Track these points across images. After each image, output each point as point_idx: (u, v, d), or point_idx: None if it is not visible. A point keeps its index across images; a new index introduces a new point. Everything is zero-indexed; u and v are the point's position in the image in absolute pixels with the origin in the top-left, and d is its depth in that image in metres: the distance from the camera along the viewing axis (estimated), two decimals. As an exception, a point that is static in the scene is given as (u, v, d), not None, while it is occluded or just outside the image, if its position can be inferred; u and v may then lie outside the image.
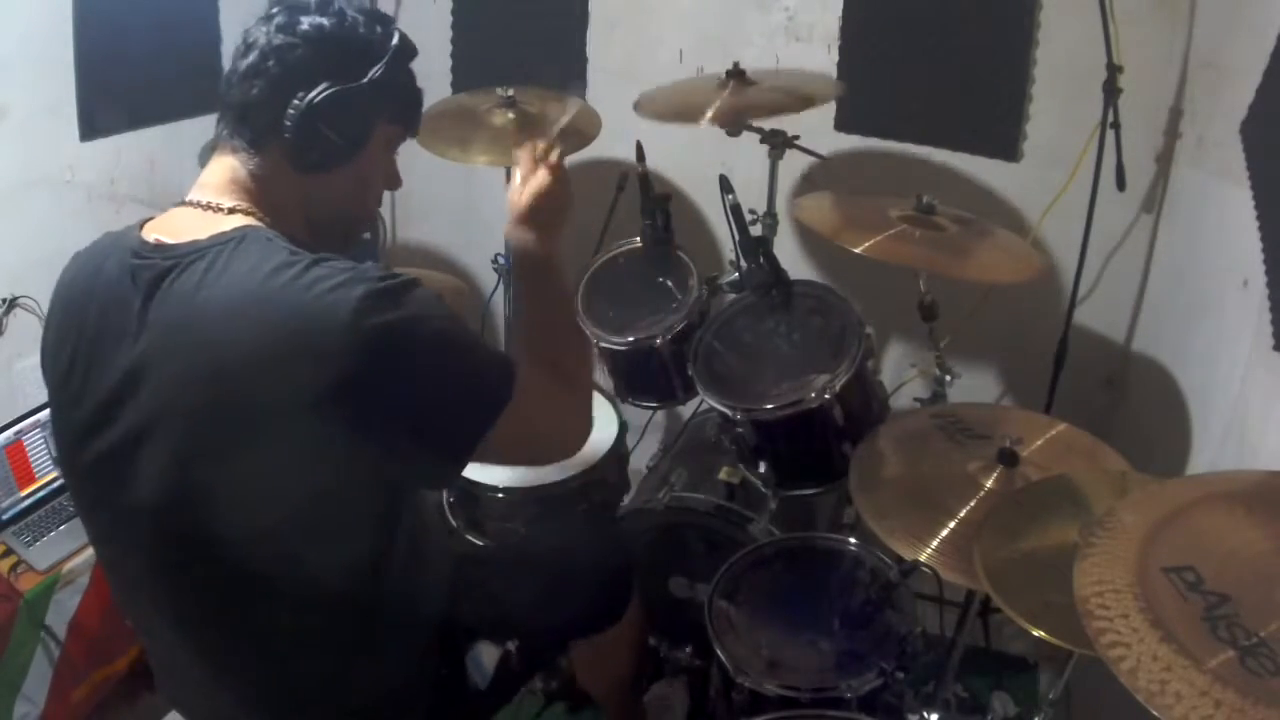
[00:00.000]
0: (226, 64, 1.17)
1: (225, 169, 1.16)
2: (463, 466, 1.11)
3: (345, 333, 0.99)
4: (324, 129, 1.13)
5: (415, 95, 1.27)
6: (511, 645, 1.47)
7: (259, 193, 1.15)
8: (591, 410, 1.29)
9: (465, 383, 1.09)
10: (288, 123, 1.11)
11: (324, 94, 1.11)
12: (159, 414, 1.05)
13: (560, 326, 1.30)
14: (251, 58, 1.13)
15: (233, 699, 1.22)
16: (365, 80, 1.14)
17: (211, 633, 1.17)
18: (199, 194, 1.15)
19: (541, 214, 1.28)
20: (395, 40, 1.19)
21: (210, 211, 1.13)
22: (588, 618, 1.62)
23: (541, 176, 1.29)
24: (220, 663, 1.19)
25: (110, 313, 1.09)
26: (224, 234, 1.08)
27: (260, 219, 1.13)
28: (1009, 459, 1.53)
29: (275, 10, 1.14)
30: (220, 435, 1.03)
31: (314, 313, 1.00)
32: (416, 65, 1.24)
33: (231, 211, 1.13)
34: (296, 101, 1.11)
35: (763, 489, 1.93)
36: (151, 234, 1.12)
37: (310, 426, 1.00)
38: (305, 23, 1.13)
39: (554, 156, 1.32)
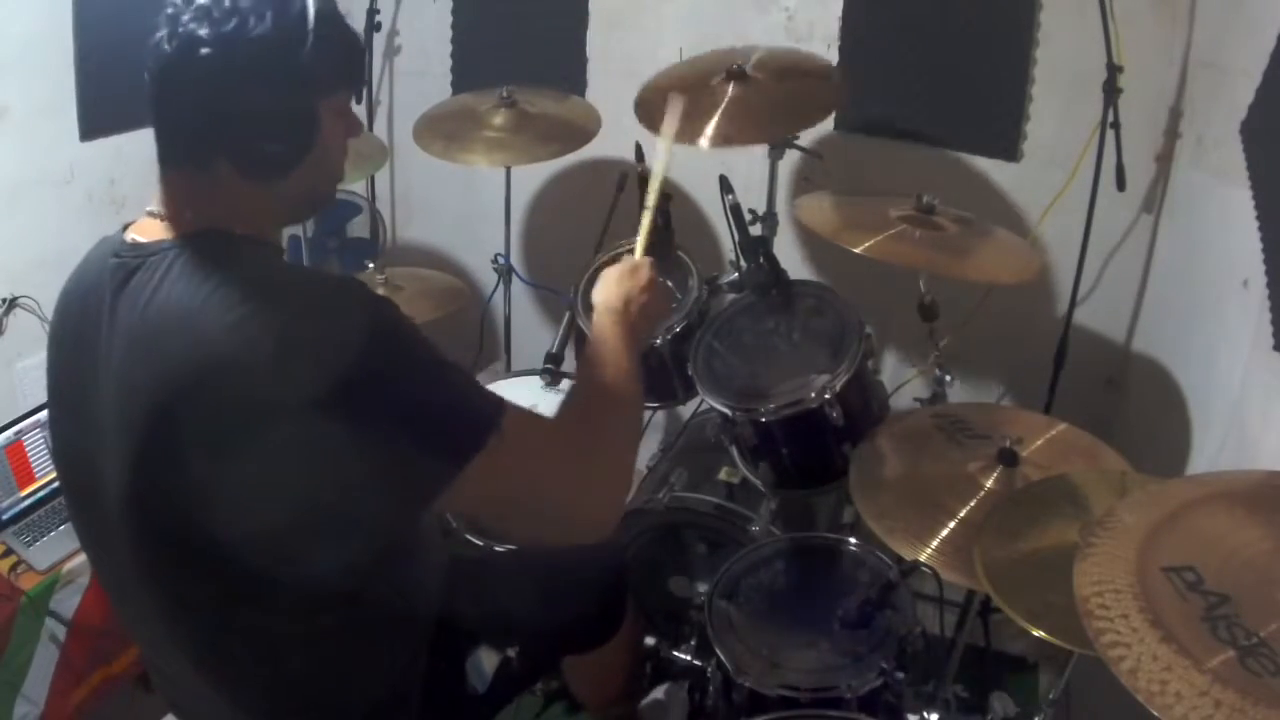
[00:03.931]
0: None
1: (176, 184, 1.09)
2: (429, 497, 1.05)
3: (334, 338, 0.98)
4: (266, 145, 1.06)
5: (351, 52, 1.13)
6: (511, 651, 1.46)
7: (218, 201, 1.08)
8: (617, 499, 1.23)
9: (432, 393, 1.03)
10: (223, 147, 1.05)
11: (252, 112, 1.03)
12: (139, 416, 1.02)
13: (604, 402, 1.24)
14: (164, 74, 1.03)
15: (227, 703, 1.21)
16: (296, 75, 1.04)
17: (203, 638, 1.15)
18: (159, 207, 1.10)
19: (630, 309, 1.33)
20: (311, 8, 1.04)
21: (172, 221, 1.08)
22: (582, 634, 1.61)
23: (643, 275, 1.36)
24: (213, 668, 1.17)
25: (90, 315, 1.08)
26: (193, 232, 1.05)
27: (223, 224, 1.08)
28: (1009, 459, 1.53)
29: (179, 16, 1.02)
30: (202, 437, 0.99)
31: (301, 317, 0.99)
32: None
33: (194, 219, 1.07)
34: (226, 125, 1.03)
35: (763, 489, 1.93)
36: (130, 234, 1.10)
37: (297, 430, 0.97)
38: (212, 28, 1.00)
39: (645, 271, 1.38)
